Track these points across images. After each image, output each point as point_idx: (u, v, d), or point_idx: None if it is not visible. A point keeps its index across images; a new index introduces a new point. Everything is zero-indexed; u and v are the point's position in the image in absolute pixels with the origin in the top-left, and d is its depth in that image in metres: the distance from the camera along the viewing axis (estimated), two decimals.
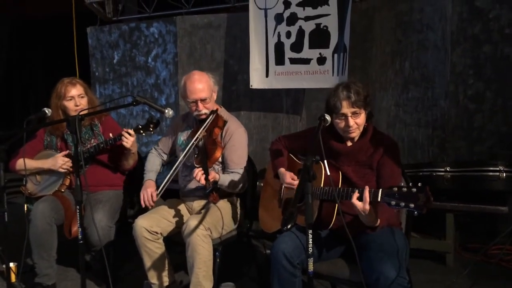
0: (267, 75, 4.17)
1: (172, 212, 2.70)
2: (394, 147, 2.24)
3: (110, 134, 2.86)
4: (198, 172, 2.39)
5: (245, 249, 3.12)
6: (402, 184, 1.93)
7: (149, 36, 4.98)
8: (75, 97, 2.95)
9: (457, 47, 3.73)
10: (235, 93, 4.62)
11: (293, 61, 4.04)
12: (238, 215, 2.76)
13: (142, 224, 2.55)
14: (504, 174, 3.11)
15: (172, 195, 3.01)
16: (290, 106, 4.42)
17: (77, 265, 3.16)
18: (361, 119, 2.20)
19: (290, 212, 1.64)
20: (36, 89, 6.90)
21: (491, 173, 3.15)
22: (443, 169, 3.25)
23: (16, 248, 2.65)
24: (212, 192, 2.35)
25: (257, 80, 4.19)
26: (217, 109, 2.73)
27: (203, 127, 2.58)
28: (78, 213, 2.13)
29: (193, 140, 2.55)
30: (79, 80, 3.04)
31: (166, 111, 2.43)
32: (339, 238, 2.22)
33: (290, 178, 2.34)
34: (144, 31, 4.99)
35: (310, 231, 1.72)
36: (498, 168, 3.13)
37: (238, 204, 2.77)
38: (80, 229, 2.15)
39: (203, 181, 2.35)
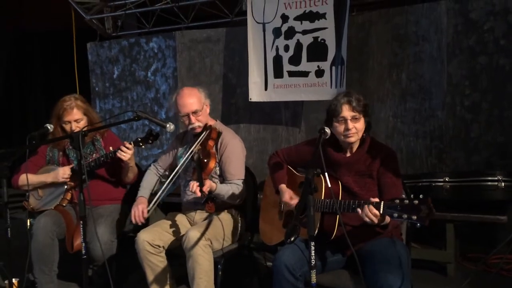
0: (266, 88, 4.21)
1: (174, 225, 2.71)
2: (392, 156, 2.28)
3: (110, 148, 2.89)
4: (193, 184, 2.41)
5: (247, 262, 3.13)
6: (403, 194, 1.95)
7: (148, 51, 5.03)
8: (72, 122, 2.97)
9: (453, 58, 3.79)
10: (234, 106, 4.66)
11: (291, 74, 4.09)
12: (239, 227, 2.77)
13: (144, 237, 2.56)
14: (503, 183, 3.14)
15: (173, 208, 3.04)
16: (289, 119, 4.46)
17: (78, 280, 3.16)
18: (360, 124, 2.24)
19: (293, 225, 1.66)
20: (36, 104, 6.92)
21: (489, 183, 3.17)
22: (442, 180, 3.27)
23: (19, 263, 2.65)
24: (207, 201, 2.37)
25: (256, 93, 4.24)
26: (210, 125, 2.75)
27: (197, 141, 2.62)
28: (81, 228, 2.14)
29: (187, 155, 2.59)
30: (79, 102, 3.02)
31: (168, 125, 2.46)
32: (341, 249, 2.24)
33: (289, 197, 2.36)
34: (144, 46, 5.05)
35: (313, 243, 1.74)
36: (496, 178, 3.16)
37: (238, 216, 2.79)
38: (83, 244, 2.16)
39: (198, 193, 2.37)
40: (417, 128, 4.01)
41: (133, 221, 2.66)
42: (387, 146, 2.37)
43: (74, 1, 5.06)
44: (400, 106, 4.07)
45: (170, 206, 3.73)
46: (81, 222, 2.13)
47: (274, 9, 4.07)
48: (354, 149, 2.30)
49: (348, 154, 2.32)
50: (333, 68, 3.91)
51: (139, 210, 2.66)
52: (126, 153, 2.78)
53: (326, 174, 1.92)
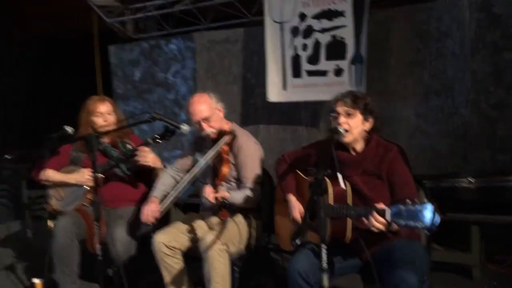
0: (284, 88, 4.18)
1: (191, 227, 2.71)
2: (401, 154, 2.21)
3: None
4: (207, 190, 2.41)
5: (264, 263, 3.11)
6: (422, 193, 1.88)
7: (168, 53, 5.07)
8: (104, 114, 3.02)
9: (477, 54, 3.67)
10: (253, 106, 4.64)
11: (310, 73, 4.04)
12: (256, 229, 2.75)
13: (161, 239, 2.58)
14: None
15: (194, 209, 3.04)
16: (308, 119, 4.41)
17: (100, 280, 3.20)
18: (355, 122, 2.20)
19: (299, 227, 1.63)
20: (61, 106, 7.06)
21: None
22: (466, 180, 3.18)
23: (42, 265, 2.70)
24: (221, 209, 2.36)
25: (274, 93, 4.20)
26: (224, 130, 2.73)
27: (212, 148, 2.61)
28: (96, 229, 2.16)
29: (201, 160, 2.59)
30: (109, 98, 3.12)
31: (183, 127, 2.47)
32: (356, 253, 2.19)
33: (298, 213, 2.31)
34: (164, 48, 5.09)
35: (325, 246, 1.70)
36: None
37: (255, 219, 2.77)
38: (99, 245, 2.18)
39: (211, 199, 2.37)
40: (440, 127, 3.90)
41: (142, 220, 2.67)
42: (395, 144, 2.29)
43: (96, 5, 5.15)
44: (422, 104, 3.97)
45: (190, 207, 3.76)
46: (95, 223, 2.15)
47: (292, 7, 4.03)
48: (359, 148, 2.26)
49: (354, 153, 2.27)
50: (352, 66, 3.84)
51: (150, 209, 2.67)
52: (146, 156, 2.81)
53: (339, 174, 1.88)
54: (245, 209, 2.69)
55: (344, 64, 3.87)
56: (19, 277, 3.37)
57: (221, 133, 2.70)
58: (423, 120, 3.96)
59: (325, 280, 1.73)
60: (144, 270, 2.98)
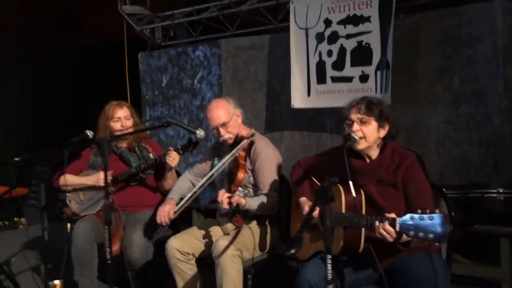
0: (308, 95, 4.14)
1: (205, 232, 2.70)
2: (417, 161, 2.13)
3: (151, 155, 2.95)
4: (222, 195, 2.39)
5: (280, 271, 3.05)
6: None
7: (195, 59, 5.12)
8: (122, 118, 3.08)
9: (510, 60, 3.52)
10: (279, 113, 4.61)
11: (335, 79, 3.98)
12: (271, 237, 2.71)
13: (174, 245, 2.57)
14: None
15: (213, 215, 3.03)
16: (334, 126, 4.33)
17: (119, 283, 3.23)
18: (370, 130, 2.14)
19: (296, 236, 1.58)
20: (91, 111, 7.24)
21: None
22: (495, 191, 3.03)
23: (59, 267, 2.75)
24: (235, 214, 2.34)
25: (298, 99, 4.17)
26: (241, 136, 2.71)
27: (230, 153, 2.60)
28: (107, 234, 2.18)
29: (218, 165, 2.58)
30: (126, 103, 3.19)
31: (198, 131, 2.47)
32: (369, 264, 2.11)
33: (308, 208, 2.25)
34: (191, 54, 5.14)
35: (330, 256, 1.64)
36: None
37: (271, 226, 2.73)
38: (108, 249, 2.20)
39: (225, 205, 2.35)
40: (471, 135, 3.75)
41: (158, 220, 2.69)
42: (411, 151, 2.22)
43: (126, 13, 5.26)
44: (452, 112, 3.83)
45: (212, 212, 3.75)
46: (107, 227, 2.16)
47: (317, 14, 3.99)
48: (374, 156, 2.18)
49: (368, 161, 2.20)
50: (378, 72, 3.76)
51: (165, 210, 2.67)
52: (175, 159, 2.84)
53: (350, 182, 1.82)
54: (261, 216, 2.66)
55: (369, 70, 3.80)
56: (39, 279, 3.45)
57: (239, 139, 2.68)
58: (453, 128, 3.83)
59: None
60: (161, 276, 2.98)
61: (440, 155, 3.80)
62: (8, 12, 6.23)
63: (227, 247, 2.40)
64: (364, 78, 3.83)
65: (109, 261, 2.23)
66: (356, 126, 2.13)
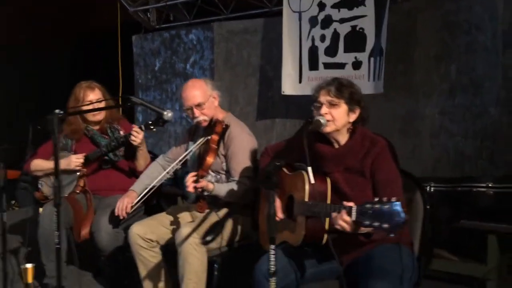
0: (300, 81, 4.00)
1: (173, 219, 2.59)
2: (387, 148, 2.00)
3: (121, 133, 2.86)
4: (188, 179, 2.28)
5: (248, 261, 2.94)
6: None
7: (188, 43, 5.00)
8: (93, 102, 2.95)
9: (510, 48, 3.34)
10: (271, 100, 4.47)
11: (327, 66, 3.84)
12: (242, 226, 2.59)
13: (136, 231, 2.48)
14: None
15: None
16: None
17: (90, 268, 3.17)
18: (339, 113, 2.02)
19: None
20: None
21: None
22: (484, 185, 2.88)
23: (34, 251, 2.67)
24: (198, 200, 2.23)
25: (289, 86, 4.03)
26: (216, 119, 2.59)
27: (203, 136, 2.49)
28: (56, 217, 2.08)
29: (189, 149, 2.47)
30: (98, 84, 3.04)
31: (165, 113, 2.36)
32: (333, 257, 1.98)
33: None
34: (184, 38, 5.02)
35: (273, 247, 1.53)
36: None
37: (242, 215, 2.61)
38: (58, 233, 2.10)
39: (190, 189, 2.23)
40: (466, 127, 3.59)
41: (116, 213, 2.59)
42: (382, 137, 2.09)
43: None
44: (448, 102, 3.67)
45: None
46: (56, 210, 2.06)
47: None
48: (342, 141, 2.05)
49: (336, 146, 2.07)
50: (371, 59, 3.61)
51: (124, 203, 2.58)
52: (137, 137, 2.73)
53: (309, 168, 1.69)
54: (232, 204, 2.54)
55: (363, 56, 3.65)
56: (18, 262, 3.38)
57: (213, 122, 2.57)
58: (448, 119, 3.67)
59: (272, 285, 1.56)
60: (133, 262, 2.89)
61: (433, 146, 3.66)
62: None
63: (189, 235, 2.29)
64: (357, 64, 3.69)
65: (58, 246, 2.12)
66: (324, 109, 2.01)
